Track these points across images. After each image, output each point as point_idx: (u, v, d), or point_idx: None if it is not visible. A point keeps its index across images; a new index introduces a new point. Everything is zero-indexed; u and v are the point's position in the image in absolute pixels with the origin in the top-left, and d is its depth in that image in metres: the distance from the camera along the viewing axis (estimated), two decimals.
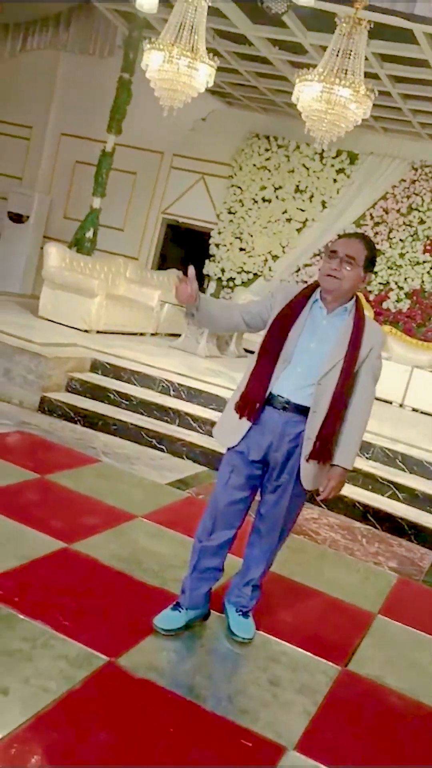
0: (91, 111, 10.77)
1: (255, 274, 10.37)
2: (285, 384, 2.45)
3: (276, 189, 10.16)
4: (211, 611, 2.72)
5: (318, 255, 10.02)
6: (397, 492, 5.00)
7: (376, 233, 9.64)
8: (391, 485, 5.03)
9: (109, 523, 3.43)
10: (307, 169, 10.00)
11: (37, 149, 11.85)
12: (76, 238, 8.24)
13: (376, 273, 9.57)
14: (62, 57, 11.33)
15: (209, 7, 5.68)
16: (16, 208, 11.52)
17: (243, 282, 10.39)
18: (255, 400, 2.45)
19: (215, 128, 10.61)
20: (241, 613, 2.71)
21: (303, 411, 2.43)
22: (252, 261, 10.33)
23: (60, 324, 7.20)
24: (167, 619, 2.58)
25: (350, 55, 5.26)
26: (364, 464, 5.20)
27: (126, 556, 3.11)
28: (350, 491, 4.89)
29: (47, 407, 5.39)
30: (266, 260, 10.29)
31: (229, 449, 2.57)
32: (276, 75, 8.52)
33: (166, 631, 2.54)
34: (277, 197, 10.16)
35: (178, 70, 5.04)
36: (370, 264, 2.47)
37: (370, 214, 9.76)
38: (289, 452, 2.48)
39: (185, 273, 2.44)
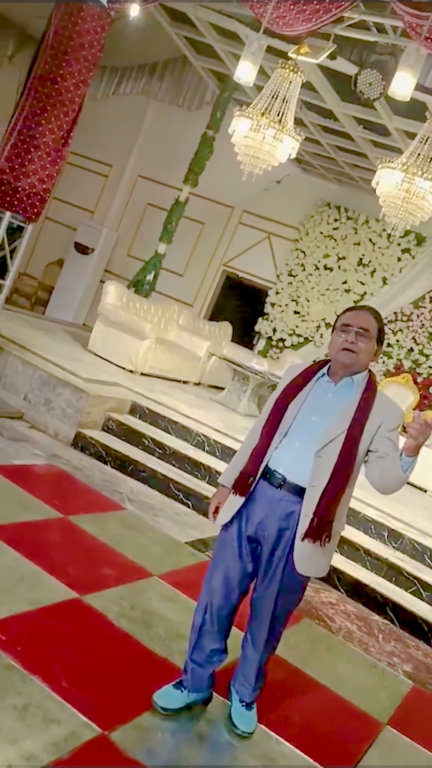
0: (170, 158, 11.09)
1: (306, 339, 10.37)
2: (282, 458, 2.33)
3: (339, 259, 10.21)
4: (214, 694, 2.60)
5: None
6: (421, 589, 4.80)
7: None
8: (416, 581, 4.84)
9: (124, 578, 3.35)
10: (373, 244, 10.05)
11: (112, 187, 12.21)
12: (137, 279, 8.38)
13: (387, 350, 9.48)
14: (152, 104, 11.75)
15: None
16: (83, 240, 11.83)
17: (293, 344, 10.39)
18: (249, 474, 2.35)
19: (288, 191, 10.78)
20: (244, 704, 2.58)
21: (299, 491, 2.29)
22: (305, 325, 10.34)
23: (107, 360, 7.26)
24: (167, 697, 2.47)
25: None
26: (390, 554, 5.03)
27: (136, 617, 3.02)
28: (372, 580, 4.73)
29: (81, 443, 5.39)
30: (319, 327, 10.29)
31: (222, 528, 2.47)
32: (356, 151, 8.65)
33: (165, 710, 2.43)
34: (339, 267, 10.21)
35: (263, 140, 5.16)
36: (380, 336, 2.41)
37: (430, 297, 9.71)
38: (279, 533, 2.33)
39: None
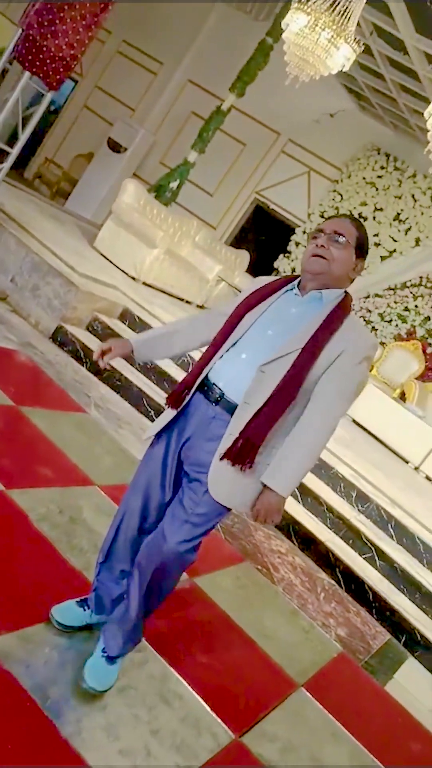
0: (226, 68, 10.34)
1: None
2: (224, 370, 1.99)
3: (376, 209, 9.69)
4: None
5: (392, 289, 9.55)
6: (376, 557, 4.61)
7: None
8: (373, 548, 4.64)
9: (60, 481, 3.12)
10: (415, 201, 9.50)
11: (159, 86, 11.51)
12: (159, 184, 7.91)
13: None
14: (217, 5, 10.94)
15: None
16: (118, 137, 11.25)
17: None
18: (185, 384, 2.04)
19: (339, 128, 10.14)
20: (105, 656, 2.13)
21: (234, 411, 1.95)
22: None
23: (110, 262, 6.90)
24: (67, 613, 2.25)
25: None
26: (354, 516, 4.82)
27: (60, 524, 2.80)
28: (328, 538, 4.52)
29: (60, 338, 5.10)
30: None
31: (150, 444, 2.15)
32: (420, 94, 8.02)
33: (60, 625, 2.22)
34: (374, 218, 9.69)
35: (317, 41, 4.62)
36: (361, 248, 2.04)
37: None
38: (203, 456, 1.99)
39: None
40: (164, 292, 7.32)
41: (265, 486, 1.92)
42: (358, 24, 5.48)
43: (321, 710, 2.73)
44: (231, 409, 1.95)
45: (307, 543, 4.45)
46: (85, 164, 11.51)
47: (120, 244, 6.92)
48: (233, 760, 2.18)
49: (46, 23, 4.63)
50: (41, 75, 4.82)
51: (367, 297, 9.72)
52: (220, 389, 1.98)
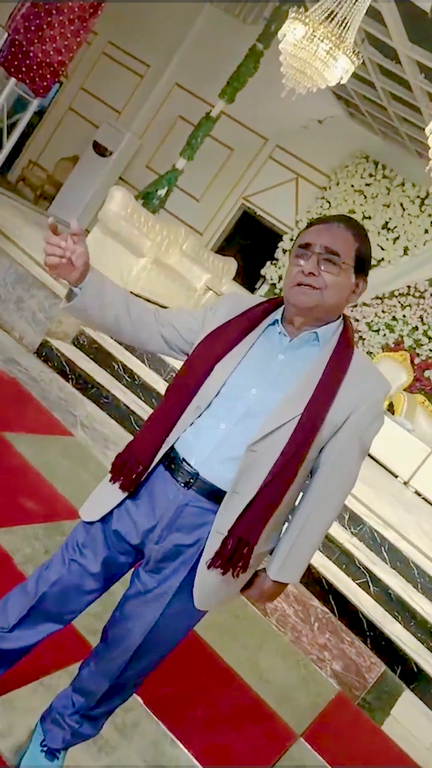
0: (213, 72, 10.21)
1: None
2: (196, 444, 1.52)
3: (364, 218, 9.60)
4: None
5: (379, 298, 9.48)
6: (370, 583, 4.49)
7: None
8: (367, 573, 4.52)
9: (47, 516, 2.96)
10: (404, 209, 9.43)
11: (145, 89, 11.34)
12: (147, 192, 7.76)
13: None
14: (206, 8, 10.79)
15: (372, 7, 5.14)
16: (103, 140, 11.07)
17: None
18: (138, 461, 1.54)
19: (327, 135, 10.04)
20: (44, 749, 1.74)
21: (216, 496, 1.51)
22: None
23: None
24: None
25: None
26: (346, 539, 4.70)
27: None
28: (321, 563, 4.40)
29: (45, 353, 4.93)
30: None
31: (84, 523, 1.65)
32: (410, 103, 7.94)
33: None
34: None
35: (315, 53, 4.48)
36: (362, 264, 1.53)
37: None
38: (178, 550, 1.54)
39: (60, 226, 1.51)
40: (152, 302, 7.16)
41: (267, 575, 1.58)
42: None
43: (320, 761, 2.60)
44: (209, 493, 1.51)
45: None
46: (69, 167, 11.31)
47: (106, 253, 6.75)
48: None
49: (33, 28, 4.45)
50: (27, 81, 4.65)
51: (355, 306, 9.63)
52: (192, 468, 1.51)
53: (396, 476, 7.46)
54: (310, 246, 1.49)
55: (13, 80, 4.61)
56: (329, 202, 9.84)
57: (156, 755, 2.11)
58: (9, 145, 4.85)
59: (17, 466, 3.22)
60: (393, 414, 7.82)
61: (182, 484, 1.52)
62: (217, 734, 2.38)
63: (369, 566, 4.54)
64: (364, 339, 9.51)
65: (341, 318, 1.57)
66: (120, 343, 5.48)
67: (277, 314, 1.58)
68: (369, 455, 6.91)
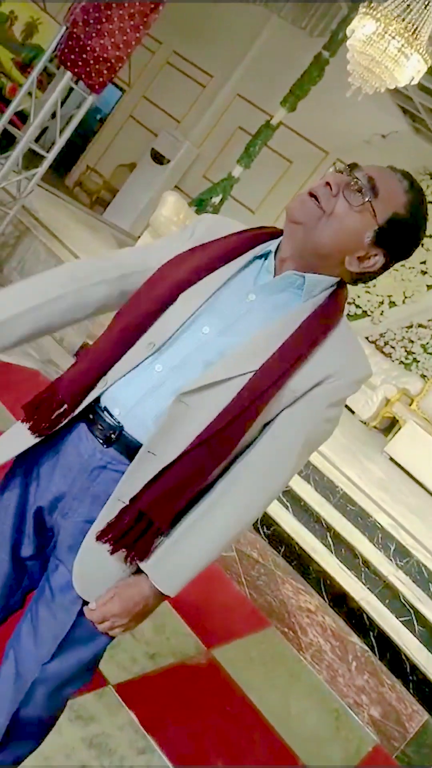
0: (277, 84, 9.98)
1: (364, 312, 9.51)
2: (125, 391, 1.18)
3: (427, 236, 9.23)
4: None
5: None
6: (414, 621, 4.15)
7: None
8: (412, 611, 4.18)
9: None
10: None
11: (207, 99, 11.25)
12: (200, 199, 7.60)
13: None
14: (272, 20, 10.65)
15: None
16: (161, 148, 11.01)
17: (348, 314, 9.54)
18: (61, 400, 1.20)
19: (391, 150, 9.73)
20: None
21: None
22: (367, 297, 9.48)
23: None
24: None
25: None
26: (392, 572, 4.37)
27: None
28: (362, 596, 4.09)
29: None
30: (382, 302, 9.41)
31: None
32: None
33: None
34: (422, 245, 9.21)
35: (385, 50, 4.22)
36: (398, 239, 1.18)
37: None
38: (87, 524, 1.20)
39: None
40: None
41: (139, 571, 1.18)
42: None
43: None
44: (133, 453, 1.16)
45: (339, 600, 4.02)
46: (126, 174, 11.29)
47: None
48: None
49: (92, 21, 4.33)
50: (83, 76, 4.52)
51: (410, 327, 9.26)
52: (114, 421, 1.17)
53: None
54: (355, 169, 1.16)
55: (68, 75, 4.49)
56: None
57: None
58: (61, 142, 4.73)
59: None
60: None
61: (101, 441, 1.18)
62: None
63: (415, 603, 4.20)
64: (418, 361, 9.13)
65: (338, 281, 1.22)
66: None
67: (271, 246, 1.22)
68: (419, 483, 6.54)
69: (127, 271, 1.29)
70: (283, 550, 4.16)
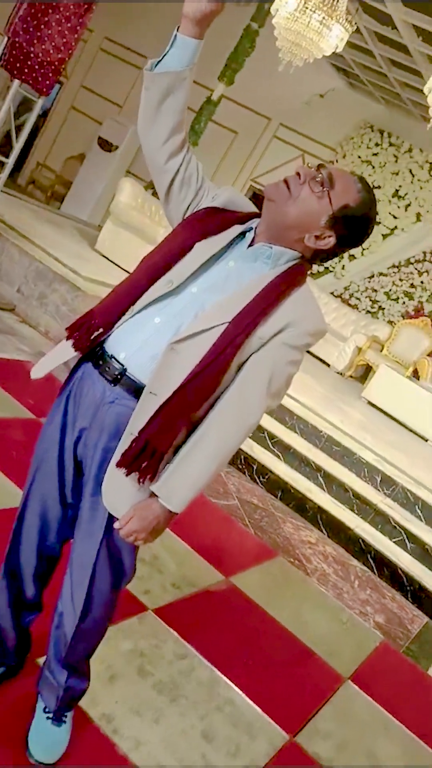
0: (211, 58, 10.04)
1: (326, 268, 9.87)
2: (126, 338, 1.48)
3: (374, 188, 9.56)
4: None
5: (396, 267, 9.48)
6: (407, 540, 4.58)
7: None
8: (403, 531, 4.61)
9: None
10: (413, 176, 9.40)
11: None
12: None
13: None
14: None
15: None
16: (108, 136, 11.18)
17: (311, 273, 9.90)
18: (98, 323, 1.51)
19: (330, 108, 10.03)
20: (49, 714, 1.76)
21: (139, 394, 1.46)
22: None
23: (113, 263, 6.86)
24: None
25: None
26: (380, 500, 4.79)
27: None
28: (357, 524, 4.50)
29: None
30: (341, 257, 9.77)
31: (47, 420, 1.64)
32: (411, 68, 7.91)
33: None
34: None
35: (308, 24, 4.53)
36: (347, 227, 1.47)
37: None
38: (105, 454, 1.51)
39: None
40: None
41: (152, 494, 1.47)
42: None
43: (370, 702, 2.71)
44: (135, 391, 1.46)
45: (336, 531, 4.42)
46: (77, 166, 11.44)
47: (121, 244, 6.87)
48: (290, 761, 2.17)
49: (31, 29, 4.57)
50: (31, 81, 4.77)
51: (372, 277, 9.65)
52: (119, 364, 1.47)
53: (426, 440, 7.51)
54: (321, 167, 1.48)
55: (16, 82, 4.73)
56: None
57: (212, 696, 2.25)
58: (18, 146, 4.97)
59: None
60: (418, 379, 7.85)
61: (109, 380, 1.47)
62: (268, 677, 2.51)
63: (405, 524, 4.63)
64: (384, 309, 9.53)
65: (300, 257, 1.51)
66: None
67: (254, 223, 1.53)
68: (396, 420, 6.97)
69: (192, 166, 1.55)
70: (280, 494, 4.55)
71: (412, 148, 9.41)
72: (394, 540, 4.57)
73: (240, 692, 2.32)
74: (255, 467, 4.64)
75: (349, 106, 9.95)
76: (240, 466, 4.65)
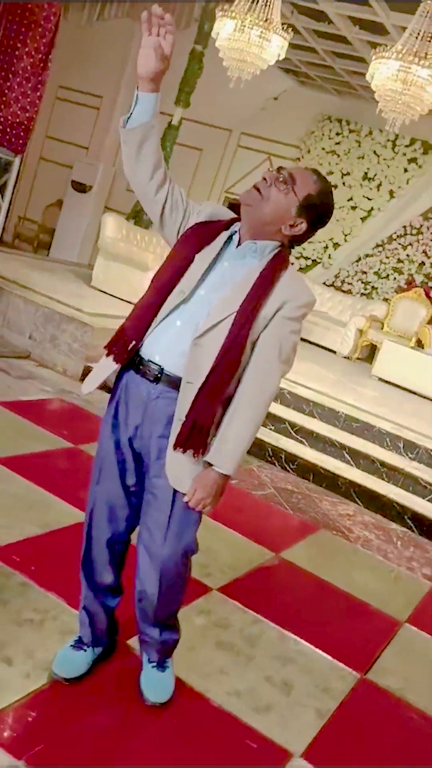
0: (164, 86, 10.38)
1: (314, 261, 10.15)
2: (156, 343, 1.77)
3: (343, 175, 9.88)
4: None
5: (380, 246, 9.74)
6: None
7: None
8: None
9: None
10: (378, 156, 9.69)
11: (105, 119, 11.80)
12: (135, 210, 8.18)
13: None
14: (137, 27, 11.14)
15: None
16: (80, 178, 11.56)
17: (301, 268, 10.18)
18: (131, 336, 1.78)
19: (286, 108, 10.36)
20: (153, 664, 2.07)
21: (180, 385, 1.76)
22: (312, 247, 10.10)
23: (110, 295, 7.16)
24: (67, 664, 2.04)
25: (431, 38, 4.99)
26: (407, 464, 5.01)
27: None
28: (388, 490, 4.72)
29: None
30: (326, 247, 10.05)
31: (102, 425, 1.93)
32: (354, 56, 8.23)
33: (66, 680, 2.01)
34: (344, 183, 9.88)
35: (248, 40, 4.86)
36: (309, 209, 1.75)
37: None
38: (161, 443, 1.81)
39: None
40: None
41: (207, 464, 1.75)
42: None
43: (428, 638, 2.94)
44: (175, 384, 1.76)
45: (371, 501, 4.65)
46: (57, 212, 11.82)
47: (114, 275, 7.19)
48: (365, 695, 2.40)
49: None
50: (5, 144, 5.10)
51: (359, 260, 9.90)
52: (157, 365, 1.77)
53: None
54: (281, 169, 1.77)
55: None
56: None
57: (285, 651, 2.49)
58: (5, 205, 5.30)
59: None
60: (422, 348, 8.07)
61: (151, 380, 1.77)
62: (331, 630, 2.75)
63: None
64: (377, 288, 9.78)
65: (279, 244, 1.79)
66: None
67: (236, 227, 1.82)
68: (408, 390, 7.19)
69: (176, 195, 1.86)
70: (312, 477, 4.79)
71: (372, 130, 9.70)
72: (426, 498, 4.79)
73: (309, 645, 2.57)
74: (283, 456, 4.89)
75: (304, 103, 10.28)
76: (269, 458, 4.89)
